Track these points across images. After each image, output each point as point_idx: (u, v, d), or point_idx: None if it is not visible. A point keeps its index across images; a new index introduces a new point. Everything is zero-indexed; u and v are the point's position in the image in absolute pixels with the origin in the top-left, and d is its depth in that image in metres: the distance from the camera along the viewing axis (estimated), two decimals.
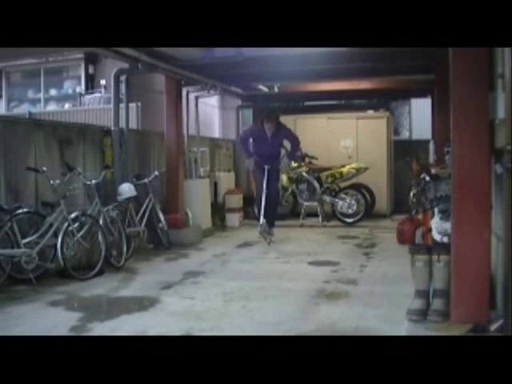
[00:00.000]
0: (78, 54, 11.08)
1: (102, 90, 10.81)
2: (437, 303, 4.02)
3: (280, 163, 8.42)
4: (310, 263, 6.77)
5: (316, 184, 10.20)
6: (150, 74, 8.43)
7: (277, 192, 8.48)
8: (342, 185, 10.33)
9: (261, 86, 10.91)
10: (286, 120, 11.72)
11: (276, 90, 11.08)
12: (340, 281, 5.77)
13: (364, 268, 6.46)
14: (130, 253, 6.91)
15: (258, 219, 7.92)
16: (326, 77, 9.67)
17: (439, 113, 8.30)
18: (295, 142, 8.33)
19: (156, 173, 7.90)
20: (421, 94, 12.19)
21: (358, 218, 10.08)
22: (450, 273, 3.92)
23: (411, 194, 8.27)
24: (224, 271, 6.44)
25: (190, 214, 8.78)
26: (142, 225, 7.46)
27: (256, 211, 8.23)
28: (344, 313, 4.59)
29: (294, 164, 10.40)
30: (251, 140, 8.31)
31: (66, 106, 11.60)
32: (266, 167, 7.86)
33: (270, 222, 7.95)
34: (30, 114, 10.56)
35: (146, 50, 6.97)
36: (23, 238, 5.58)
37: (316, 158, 10.49)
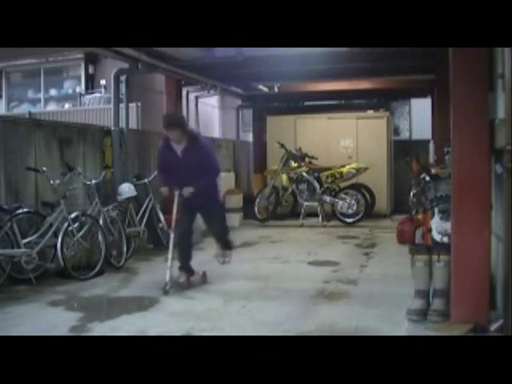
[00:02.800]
0: (78, 54, 11.08)
1: (102, 90, 10.81)
2: (437, 303, 4.02)
3: (214, 193, 5.69)
4: (309, 263, 6.77)
5: (316, 184, 10.20)
6: (150, 73, 8.44)
7: (221, 232, 6.04)
8: (342, 185, 10.33)
9: (261, 86, 10.92)
10: (286, 120, 11.89)
11: (276, 89, 11.09)
12: (340, 281, 5.77)
13: (364, 268, 6.46)
14: (130, 253, 6.90)
15: (179, 264, 5.75)
16: (325, 77, 9.69)
17: (439, 113, 8.31)
18: (211, 171, 5.55)
19: (156, 173, 7.89)
20: (421, 94, 12.21)
21: (357, 217, 10.08)
22: (450, 273, 3.92)
23: (411, 194, 8.29)
24: (224, 271, 6.43)
25: None
26: (142, 225, 7.45)
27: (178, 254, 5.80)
28: (344, 313, 4.59)
29: (294, 164, 10.41)
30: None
31: (66, 105, 11.60)
32: (186, 203, 5.56)
33: (223, 246, 6.09)
34: (29, 113, 10.56)
35: (146, 49, 6.98)
36: (23, 238, 5.58)
37: (316, 158, 10.49)
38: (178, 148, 5.52)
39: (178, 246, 5.69)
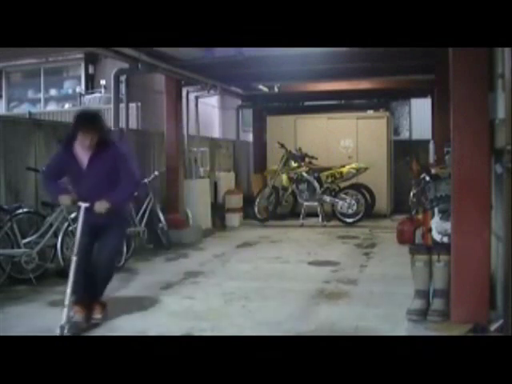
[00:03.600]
0: (78, 54, 11.08)
1: (102, 90, 10.81)
2: (437, 303, 4.02)
3: (123, 210, 4.70)
4: (309, 263, 6.77)
5: (316, 184, 10.20)
6: (150, 73, 8.43)
7: (110, 260, 4.54)
8: (342, 185, 10.34)
9: (261, 86, 10.91)
10: (286, 120, 11.89)
11: (276, 89, 11.09)
12: (340, 281, 5.77)
13: (364, 268, 6.46)
14: (130, 253, 6.90)
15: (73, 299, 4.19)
16: (326, 77, 9.68)
17: (439, 113, 8.30)
18: (128, 181, 4.43)
19: (156, 173, 7.90)
20: (421, 94, 12.20)
21: (357, 218, 10.08)
22: (450, 273, 3.92)
23: (411, 193, 8.28)
24: (224, 271, 6.44)
25: (190, 213, 8.78)
26: (142, 225, 7.46)
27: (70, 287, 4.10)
28: (344, 313, 4.59)
29: (294, 164, 10.40)
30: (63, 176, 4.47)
31: (66, 106, 11.61)
32: (88, 219, 4.25)
33: (94, 294, 4.51)
34: (29, 114, 10.56)
35: (146, 49, 6.97)
36: (23, 238, 5.58)
37: (316, 158, 10.49)
38: (84, 156, 4.29)
39: (74, 273, 4.12)
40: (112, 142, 4.44)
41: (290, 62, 7.94)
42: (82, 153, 4.30)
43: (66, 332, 3.91)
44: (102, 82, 10.66)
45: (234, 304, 4.93)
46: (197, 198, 9.15)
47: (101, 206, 4.21)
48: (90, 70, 11.43)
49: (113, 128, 7.45)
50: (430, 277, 4.13)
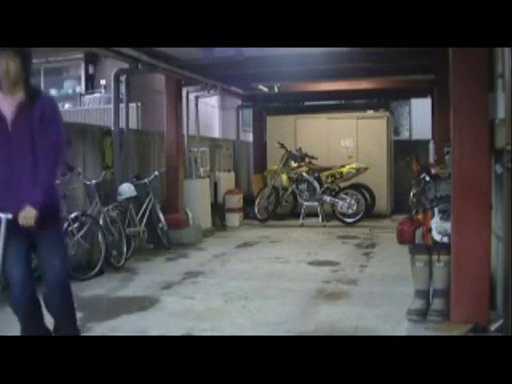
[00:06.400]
0: (78, 54, 11.10)
1: (102, 90, 10.82)
2: (437, 303, 4.03)
3: (55, 203, 3.17)
4: (309, 263, 6.77)
5: (316, 184, 10.20)
6: (150, 74, 8.43)
7: (63, 280, 3.39)
8: (342, 185, 10.34)
9: (261, 86, 10.92)
10: (286, 120, 11.90)
11: (276, 90, 11.09)
12: (340, 281, 5.77)
13: (364, 268, 6.46)
14: (130, 253, 6.91)
15: None
16: (326, 77, 9.69)
17: (439, 113, 8.31)
18: (53, 148, 3.03)
19: (156, 173, 7.90)
20: (421, 94, 12.21)
21: (358, 218, 10.08)
22: (450, 273, 3.93)
23: (411, 193, 8.30)
24: (224, 271, 6.44)
25: (190, 213, 8.78)
26: (142, 225, 7.46)
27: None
28: (344, 313, 4.59)
29: (294, 164, 10.40)
30: None
31: (66, 106, 11.61)
32: (4, 217, 2.95)
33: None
34: None
35: (146, 50, 6.97)
36: None
37: (316, 158, 10.50)
38: (7, 105, 2.98)
39: (20, 318, 3.27)
40: (39, 91, 3.20)
41: (290, 62, 7.94)
42: (4, 101, 2.98)
43: None
44: (102, 82, 10.68)
45: (234, 304, 4.93)
46: (197, 198, 9.15)
47: (26, 216, 2.91)
48: (90, 70, 11.45)
49: (112, 128, 7.47)
50: (429, 277, 4.14)
